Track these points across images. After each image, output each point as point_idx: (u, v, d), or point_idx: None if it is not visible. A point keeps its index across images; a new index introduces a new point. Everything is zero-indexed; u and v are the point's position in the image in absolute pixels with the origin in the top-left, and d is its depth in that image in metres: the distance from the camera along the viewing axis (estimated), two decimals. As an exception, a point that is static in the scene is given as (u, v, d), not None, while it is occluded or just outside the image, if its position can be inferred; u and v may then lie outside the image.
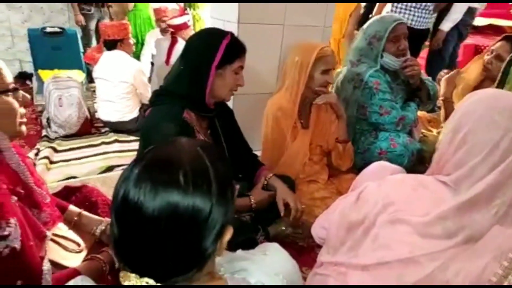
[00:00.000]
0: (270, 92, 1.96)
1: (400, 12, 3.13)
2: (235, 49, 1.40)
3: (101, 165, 2.68)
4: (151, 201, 0.56)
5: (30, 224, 0.97)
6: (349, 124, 2.00)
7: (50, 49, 3.77)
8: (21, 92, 1.01)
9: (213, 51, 1.36)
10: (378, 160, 1.92)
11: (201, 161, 0.62)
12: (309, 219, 1.75)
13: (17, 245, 0.88)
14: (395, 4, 3.17)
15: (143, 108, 3.21)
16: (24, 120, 1.03)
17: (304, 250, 1.71)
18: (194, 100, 1.41)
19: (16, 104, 0.98)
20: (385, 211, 1.00)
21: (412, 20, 3.12)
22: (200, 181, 0.59)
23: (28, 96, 1.06)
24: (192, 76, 1.38)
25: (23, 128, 1.02)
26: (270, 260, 0.71)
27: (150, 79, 3.73)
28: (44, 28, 3.85)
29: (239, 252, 0.68)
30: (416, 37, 2.85)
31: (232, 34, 1.41)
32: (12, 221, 0.88)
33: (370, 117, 2.06)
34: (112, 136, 3.13)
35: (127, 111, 3.14)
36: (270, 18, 1.96)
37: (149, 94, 3.19)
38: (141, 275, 0.56)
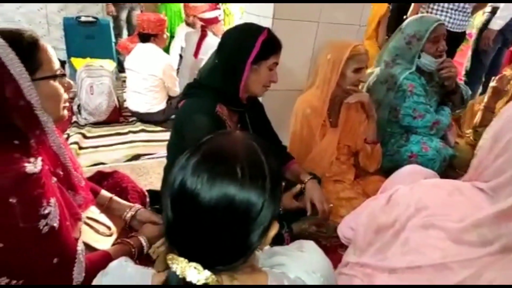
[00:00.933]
0: (300, 89, 1.95)
1: (436, 14, 3.06)
2: (271, 46, 1.40)
3: (127, 153, 2.74)
4: (207, 191, 0.57)
5: (67, 205, 1.01)
6: (379, 126, 1.97)
7: (84, 37, 3.88)
8: (66, 78, 1.04)
9: (249, 46, 1.36)
10: (407, 163, 1.90)
11: (256, 155, 0.63)
12: (334, 218, 1.74)
13: (55, 224, 0.91)
14: (431, 6, 3.09)
15: (170, 100, 3.28)
16: (67, 104, 1.06)
17: (327, 250, 1.70)
18: (228, 94, 1.42)
19: (61, 89, 1.01)
20: (418, 215, 0.98)
21: (448, 22, 3.04)
22: (256, 176, 0.60)
23: (72, 82, 1.09)
24: (227, 71, 1.39)
25: (65, 112, 1.06)
26: (308, 257, 0.71)
27: (178, 71, 3.78)
28: (79, 17, 3.95)
29: (276, 247, 0.69)
30: (452, 40, 2.78)
31: (269, 30, 1.41)
32: (52, 200, 0.91)
33: (402, 120, 2.03)
34: (139, 126, 3.20)
35: (155, 103, 3.20)
36: (305, 14, 1.95)
37: (176, 88, 3.27)
38: (190, 259, 0.57)
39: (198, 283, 0.56)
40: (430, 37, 1.96)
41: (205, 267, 0.57)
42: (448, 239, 0.93)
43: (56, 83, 1.00)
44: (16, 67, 0.88)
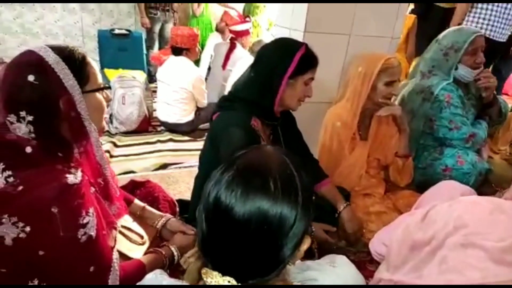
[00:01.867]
0: (330, 102, 1.94)
1: (478, 22, 2.99)
2: (309, 61, 1.41)
3: (156, 162, 2.79)
4: (241, 205, 0.58)
5: (104, 214, 1.03)
6: (412, 138, 1.93)
7: (117, 49, 4.01)
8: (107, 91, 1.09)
9: (287, 61, 1.36)
10: (440, 177, 1.85)
11: (288, 169, 0.63)
12: (364, 234, 1.71)
13: (93, 233, 0.94)
14: (473, 14, 3.02)
15: (198, 111, 3.34)
16: (107, 116, 1.10)
17: (356, 265, 1.67)
18: (263, 108, 1.42)
19: (104, 102, 1.05)
20: (457, 233, 0.95)
21: (491, 31, 2.97)
22: (288, 190, 0.61)
23: (110, 95, 1.13)
24: (263, 84, 1.40)
25: (105, 123, 1.10)
26: (340, 273, 0.71)
27: (206, 81, 3.85)
28: (113, 29, 4.10)
29: (308, 261, 0.68)
30: (492, 49, 2.70)
31: (306, 45, 1.41)
32: (91, 210, 0.94)
33: (438, 131, 1.98)
34: (167, 135, 3.26)
35: (184, 114, 3.27)
36: (337, 27, 1.94)
37: (205, 100, 3.33)
38: (223, 273, 0.58)
39: None
40: (468, 49, 1.92)
41: (239, 280, 0.58)
42: (488, 259, 0.90)
43: (100, 96, 1.04)
44: (69, 81, 0.93)
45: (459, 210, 0.99)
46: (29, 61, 0.91)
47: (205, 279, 0.59)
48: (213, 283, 0.58)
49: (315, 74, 1.44)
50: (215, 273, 0.59)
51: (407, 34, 3.68)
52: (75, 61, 0.96)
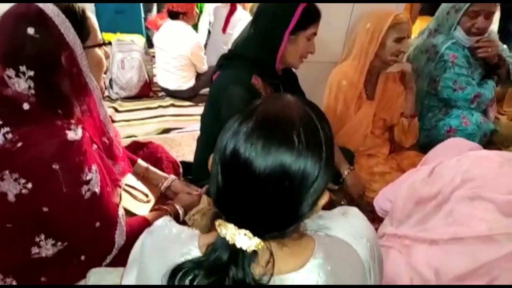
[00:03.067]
0: (334, 62, 1.89)
1: None
2: (311, 15, 1.35)
3: (158, 127, 2.79)
4: (263, 159, 0.55)
5: (107, 171, 1.03)
6: (417, 99, 1.89)
7: (113, 12, 3.88)
8: (108, 47, 1.05)
9: (288, 15, 1.31)
10: (444, 138, 1.82)
11: (312, 122, 0.59)
12: (367, 193, 1.72)
13: (97, 189, 0.93)
14: None
15: (198, 77, 3.28)
16: (105, 75, 1.07)
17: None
18: (264, 65, 1.38)
19: (104, 59, 1.02)
20: (464, 186, 0.95)
21: None
22: (312, 144, 0.57)
23: (109, 51, 1.09)
24: (264, 41, 1.35)
25: (103, 83, 1.07)
26: (353, 222, 0.70)
27: (206, 46, 3.75)
28: (109, -9, 3.95)
29: (320, 211, 0.66)
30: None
31: None
32: (94, 167, 0.93)
33: (442, 92, 1.93)
34: (169, 101, 3.23)
35: (184, 81, 3.21)
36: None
37: (204, 66, 3.26)
38: (238, 226, 0.56)
39: (248, 250, 0.55)
40: (468, 11, 1.82)
41: (255, 233, 0.56)
42: (496, 211, 0.89)
43: (100, 52, 1.00)
44: (70, 35, 0.89)
45: (467, 164, 0.97)
46: (28, 12, 0.87)
47: (219, 230, 0.57)
48: (228, 235, 0.56)
49: (317, 29, 1.39)
50: (231, 225, 0.57)
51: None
52: (75, 14, 0.92)
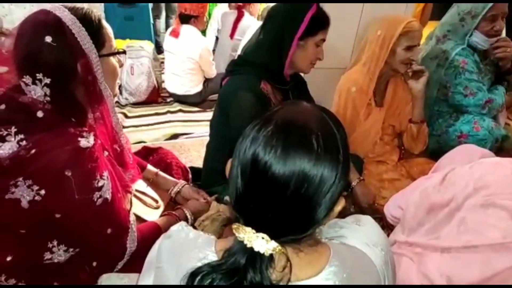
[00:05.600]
0: (343, 68, 1.89)
1: None
2: (320, 21, 1.35)
3: (166, 133, 2.81)
4: (282, 163, 0.55)
5: (118, 178, 1.03)
6: (426, 105, 1.88)
7: (123, 19, 3.93)
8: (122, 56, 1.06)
9: (297, 21, 1.31)
10: (455, 144, 1.81)
11: (329, 126, 0.60)
12: (376, 200, 1.70)
13: (108, 196, 0.94)
14: None
15: (206, 82, 3.30)
16: (119, 82, 1.08)
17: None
18: (273, 71, 1.39)
19: (118, 67, 1.03)
20: (477, 194, 0.93)
21: None
22: (330, 148, 0.57)
23: (123, 60, 1.10)
24: (273, 46, 1.36)
25: (117, 89, 1.08)
26: (367, 230, 0.69)
27: (213, 52, 3.78)
28: (118, -2, 4.00)
29: (334, 219, 0.66)
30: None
31: (317, 4, 1.35)
32: (105, 174, 0.94)
33: (452, 98, 1.92)
34: (177, 106, 3.25)
35: (192, 85, 3.23)
36: (351, -9, 1.87)
37: (213, 71, 3.27)
38: (256, 229, 0.57)
39: (265, 253, 0.56)
40: (487, 15, 1.81)
41: (272, 237, 0.56)
42: (509, 218, 0.88)
43: (115, 61, 1.01)
44: (87, 43, 0.91)
45: (481, 171, 0.96)
46: (46, 20, 0.88)
47: (236, 233, 0.58)
48: (245, 239, 0.56)
49: (326, 35, 1.39)
50: (248, 229, 0.57)
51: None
52: (92, 23, 0.93)
